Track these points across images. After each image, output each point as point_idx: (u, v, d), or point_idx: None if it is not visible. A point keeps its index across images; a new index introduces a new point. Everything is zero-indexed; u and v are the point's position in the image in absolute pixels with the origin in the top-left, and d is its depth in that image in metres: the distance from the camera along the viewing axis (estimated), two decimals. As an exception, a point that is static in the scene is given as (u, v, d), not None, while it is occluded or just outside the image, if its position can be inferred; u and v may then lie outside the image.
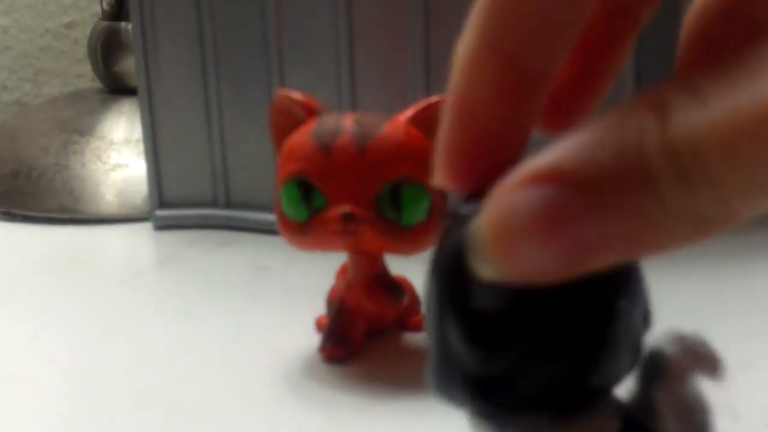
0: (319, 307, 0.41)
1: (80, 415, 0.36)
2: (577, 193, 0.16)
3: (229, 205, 0.57)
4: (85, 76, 0.90)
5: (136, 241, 0.57)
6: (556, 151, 0.17)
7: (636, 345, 0.21)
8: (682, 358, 0.22)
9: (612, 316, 0.20)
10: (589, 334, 0.20)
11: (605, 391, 0.21)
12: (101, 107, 0.69)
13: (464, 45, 0.19)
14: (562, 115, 0.22)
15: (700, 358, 0.22)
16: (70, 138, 0.65)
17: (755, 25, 0.20)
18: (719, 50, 0.20)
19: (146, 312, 0.46)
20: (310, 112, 0.37)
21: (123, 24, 0.69)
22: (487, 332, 0.21)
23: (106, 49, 0.69)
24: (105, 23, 0.70)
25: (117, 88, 0.70)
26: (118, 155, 0.64)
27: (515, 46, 0.19)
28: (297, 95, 0.38)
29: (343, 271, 0.40)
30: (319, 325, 0.41)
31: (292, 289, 0.48)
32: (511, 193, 0.17)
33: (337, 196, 0.36)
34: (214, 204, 0.58)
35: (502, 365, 0.21)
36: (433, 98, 0.37)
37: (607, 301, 0.20)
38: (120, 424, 0.35)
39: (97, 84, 0.74)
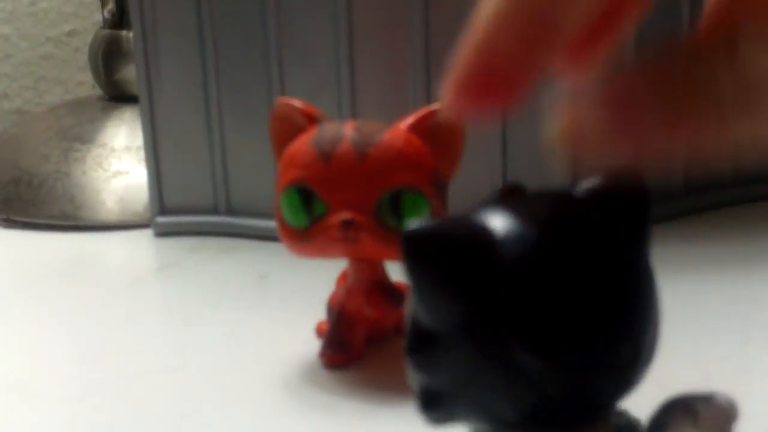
0: (319, 314, 0.41)
1: (80, 422, 0.36)
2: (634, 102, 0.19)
3: (229, 212, 0.58)
4: (85, 84, 0.90)
5: (136, 248, 0.58)
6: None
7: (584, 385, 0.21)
8: (704, 417, 0.22)
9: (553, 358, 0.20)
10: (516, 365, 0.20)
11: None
12: (102, 115, 0.69)
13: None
14: (577, 53, 0.23)
15: (719, 425, 0.22)
16: (71, 145, 0.65)
17: None
18: None
19: (147, 318, 0.46)
20: (311, 119, 0.37)
21: (124, 32, 0.69)
22: (421, 346, 0.22)
23: (107, 58, 0.69)
24: (106, 32, 0.70)
25: (118, 96, 0.70)
26: (119, 162, 0.64)
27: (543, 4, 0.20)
28: (298, 103, 0.38)
29: (343, 277, 0.40)
30: (320, 331, 0.41)
31: (292, 295, 0.48)
32: (584, 105, 0.20)
33: (338, 204, 0.36)
34: (214, 211, 0.58)
35: (440, 381, 0.21)
36: (434, 106, 0.37)
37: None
38: (120, 430, 0.35)
39: (98, 92, 0.74)
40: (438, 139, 0.37)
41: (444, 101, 0.22)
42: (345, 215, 0.35)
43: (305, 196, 0.36)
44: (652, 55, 0.19)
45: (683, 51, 0.19)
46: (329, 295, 0.41)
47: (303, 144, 0.37)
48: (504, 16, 0.20)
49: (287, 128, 0.38)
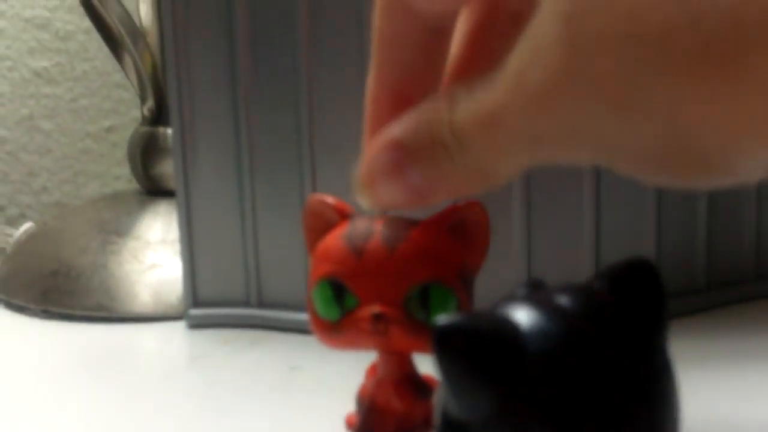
0: (349, 406, 0.42)
1: None
2: (406, 153, 0.27)
3: (261, 304, 0.58)
4: (122, 178, 0.92)
5: (170, 340, 0.59)
6: (397, 126, 0.28)
7: None
8: None
9: None
10: None
11: None
12: (138, 208, 0.71)
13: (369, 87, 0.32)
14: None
15: None
16: (108, 238, 0.67)
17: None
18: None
19: (180, 409, 0.47)
20: (343, 215, 0.39)
21: (161, 129, 0.71)
22: None
23: (146, 153, 0.72)
24: (145, 128, 0.72)
25: (154, 190, 0.72)
26: (154, 255, 0.65)
27: (397, 85, 0.31)
28: (330, 199, 0.39)
29: (372, 369, 0.41)
30: (350, 424, 0.42)
31: (322, 387, 0.48)
32: (373, 153, 0.29)
33: (369, 297, 0.37)
34: (246, 304, 0.59)
35: None
36: (460, 203, 0.38)
37: None
38: None
39: (135, 185, 0.76)
40: (465, 235, 0.38)
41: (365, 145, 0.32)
42: (375, 308, 0.36)
43: (337, 289, 0.37)
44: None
45: (431, 98, 0.26)
46: (359, 387, 0.41)
47: (335, 239, 0.38)
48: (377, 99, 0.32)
49: (320, 223, 0.39)
